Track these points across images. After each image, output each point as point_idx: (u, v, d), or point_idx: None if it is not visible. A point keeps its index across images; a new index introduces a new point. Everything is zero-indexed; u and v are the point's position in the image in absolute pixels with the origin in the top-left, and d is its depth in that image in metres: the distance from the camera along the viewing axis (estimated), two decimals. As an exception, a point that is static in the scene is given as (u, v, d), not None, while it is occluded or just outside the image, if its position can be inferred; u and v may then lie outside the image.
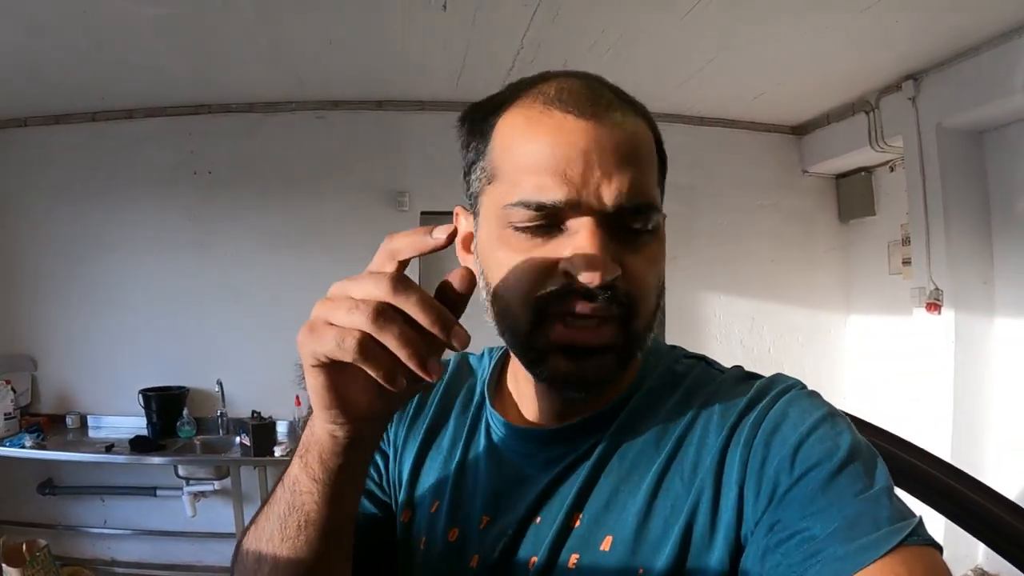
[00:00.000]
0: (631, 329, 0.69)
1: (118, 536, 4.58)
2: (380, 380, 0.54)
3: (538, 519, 0.75)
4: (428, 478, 0.86)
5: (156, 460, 4.02)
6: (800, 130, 4.80)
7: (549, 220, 0.67)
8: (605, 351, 0.68)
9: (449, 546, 0.79)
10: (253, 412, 4.24)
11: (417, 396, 0.92)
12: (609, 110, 0.67)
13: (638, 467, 0.73)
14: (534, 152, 0.67)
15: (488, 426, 0.85)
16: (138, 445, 4.04)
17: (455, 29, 3.49)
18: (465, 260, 0.80)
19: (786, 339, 4.77)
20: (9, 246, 4.72)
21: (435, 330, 0.54)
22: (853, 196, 4.73)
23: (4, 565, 3.51)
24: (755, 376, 0.79)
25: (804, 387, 0.75)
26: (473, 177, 0.77)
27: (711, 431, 0.72)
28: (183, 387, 4.50)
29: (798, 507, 0.60)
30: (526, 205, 0.66)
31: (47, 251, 4.68)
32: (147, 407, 4.34)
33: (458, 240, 0.82)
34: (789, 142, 4.80)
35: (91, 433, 4.45)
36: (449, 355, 0.88)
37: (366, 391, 0.60)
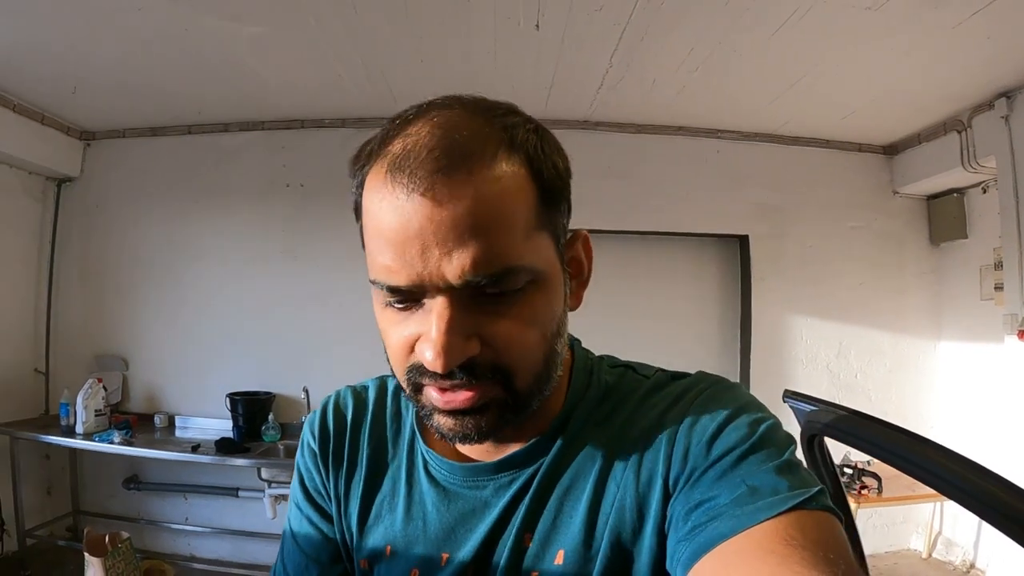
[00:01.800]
0: (512, 387, 0.70)
1: (199, 533, 4.78)
2: None
3: (495, 547, 0.77)
4: (378, 523, 0.86)
5: (240, 462, 4.17)
6: (891, 150, 4.79)
7: (406, 297, 0.68)
8: (484, 409, 0.70)
9: None
10: None
11: (345, 440, 0.91)
12: (450, 174, 0.63)
13: (578, 480, 0.77)
14: (378, 233, 0.66)
15: (426, 462, 0.86)
16: (223, 447, 4.21)
17: (545, 47, 3.58)
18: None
19: (874, 365, 4.73)
20: (106, 252, 5.02)
21: None
22: (945, 218, 4.68)
23: (87, 554, 3.65)
24: (680, 376, 0.83)
25: (726, 382, 0.80)
26: (360, 228, 0.75)
27: (639, 435, 0.76)
28: (270, 392, 4.68)
29: (709, 483, 0.66)
30: (379, 286, 0.68)
31: (142, 257, 4.95)
32: (233, 410, 4.52)
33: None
34: (880, 162, 4.78)
35: (178, 433, 4.65)
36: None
37: None
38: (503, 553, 0.76)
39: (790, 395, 1.85)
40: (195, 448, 4.16)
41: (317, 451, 0.92)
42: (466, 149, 0.65)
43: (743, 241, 4.73)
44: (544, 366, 0.72)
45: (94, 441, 4.21)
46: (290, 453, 4.38)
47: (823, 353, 4.72)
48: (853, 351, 4.71)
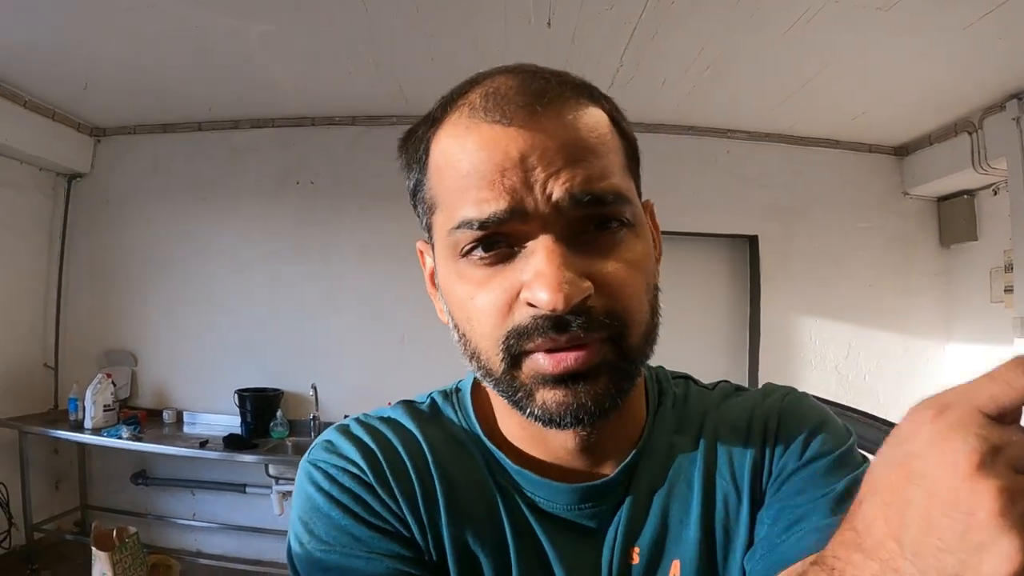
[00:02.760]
0: (624, 346, 0.64)
1: (206, 529, 4.78)
2: None
3: (601, 571, 0.71)
4: (484, 565, 0.72)
5: (247, 458, 4.18)
6: (902, 151, 4.78)
7: (501, 240, 0.62)
8: (597, 374, 0.62)
9: None
10: (345, 417, 4.38)
11: (406, 463, 0.75)
12: (544, 105, 0.61)
13: (678, 483, 0.74)
14: (467, 171, 0.62)
15: (518, 487, 0.75)
16: (231, 443, 4.22)
17: (555, 45, 3.58)
18: (433, 297, 0.77)
19: (882, 367, 4.72)
20: (116, 248, 5.04)
21: None
22: (955, 220, 4.67)
23: (94, 549, 3.68)
24: (745, 388, 0.83)
25: (798, 392, 0.81)
26: (419, 209, 0.74)
27: (735, 432, 0.76)
28: (278, 389, 4.69)
29: (796, 487, 0.67)
30: (468, 225, 0.62)
31: (152, 254, 4.97)
32: (242, 407, 4.54)
33: (425, 275, 0.79)
34: (890, 163, 4.77)
35: (186, 429, 4.67)
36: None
37: None
38: (611, 574, 0.71)
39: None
40: (203, 444, 4.18)
41: (369, 475, 0.73)
42: (553, 88, 0.64)
43: (752, 241, 4.74)
44: (652, 321, 0.67)
45: (103, 436, 4.23)
46: (299, 449, 4.41)
47: (832, 354, 4.71)
48: (862, 353, 4.71)
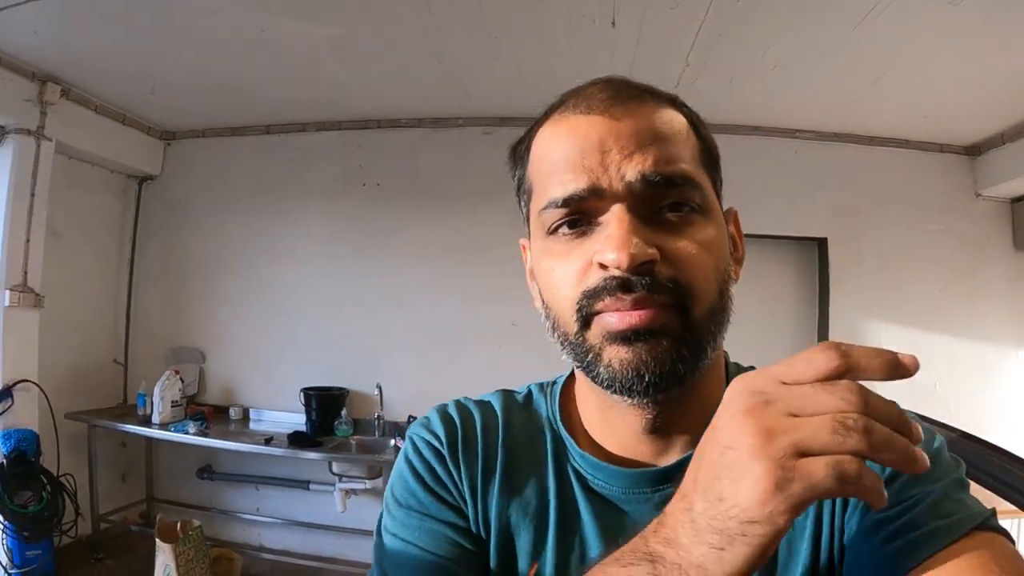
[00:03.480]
0: (689, 316, 0.66)
1: (269, 524, 4.83)
2: (873, 502, 0.45)
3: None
4: (518, 536, 0.78)
5: (312, 455, 4.23)
6: (974, 150, 4.63)
7: (580, 217, 0.69)
8: (660, 336, 0.65)
9: None
10: (409, 417, 4.50)
11: (478, 439, 0.83)
12: (625, 101, 0.70)
13: None
14: (556, 156, 0.70)
15: (577, 471, 0.79)
16: (296, 440, 4.26)
17: (621, 46, 3.56)
18: (531, 288, 0.82)
19: (953, 374, 4.58)
20: (185, 248, 5.15)
21: (907, 437, 0.46)
22: (1030, 222, 4.53)
23: (158, 540, 3.72)
24: None
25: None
26: (521, 203, 0.82)
27: None
28: (343, 388, 4.73)
29: (892, 494, 0.63)
30: (554, 204, 0.69)
31: (220, 254, 5.06)
32: (307, 405, 4.58)
33: (526, 270, 0.86)
34: (962, 163, 4.64)
35: (252, 425, 4.73)
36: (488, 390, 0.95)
37: None
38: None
39: None
40: (268, 441, 4.22)
41: (445, 447, 0.83)
42: (635, 90, 0.73)
43: (822, 244, 4.63)
44: (719, 300, 0.70)
45: (169, 431, 4.32)
46: (361, 448, 4.44)
47: (901, 360, 4.58)
48: (932, 359, 4.56)
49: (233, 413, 4.80)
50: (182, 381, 4.61)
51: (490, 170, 4.76)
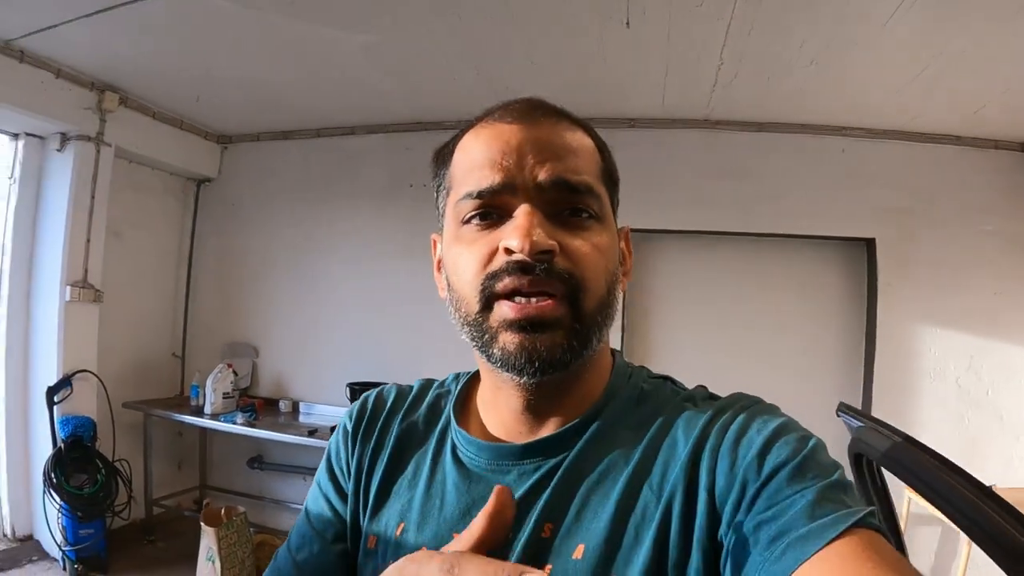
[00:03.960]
0: (579, 308, 0.74)
1: (316, 514, 4.93)
2: None
3: (509, 534, 0.72)
4: (394, 502, 0.87)
5: (357, 448, 4.29)
6: (1031, 147, 4.40)
7: (493, 209, 0.75)
8: (553, 326, 0.72)
9: None
10: None
11: (378, 424, 0.94)
12: (543, 117, 0.78)
13: (607, 477, 0.76)
14: (475, 155, 0.77)
15: (455, 445, 0.87)
16: (340, 433, 4.33)
17: (651, 45, 3.51)
18: (437, 280, 0.89)
19: (1009, 382, 4.34)
20: (240, 247, 5.37)
21: None
22: (1092, 223, 4.25)
23: (203, 524, 3.89)
24: (718, 396, 0.84)
25: (765, 402, 0.81)
26: (439, 200, 0.87)
27: (679, 441, 0.76)
28: (387, 383, 4.75)
29: (765, 501, 0.65)
30: (470, 195, 0.75)
31: (273, 253, 5.25)
32: (352, 399, 4.62)
33: (433, 262, 0.94)
34: (1018, 160, 4.38)
35: (301, 418, 4.86)
36: (414, 379, 1.03)
37: None
38: (519, 541, 0.74)
39: (843, 409, 1.79)
40: (311, 432, 4.35)
41: (350, 430, 0.95)
42: (552, 109, 0.81)
43: (870, 245, 4.46)
44: (607, 296, 0.77)
45: (219, 421, 4.51)
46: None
47: (952, 367, 4.35)
48: (985, 366, 4.34)
49: (283, 406, 4.96)
50: (235, 374, 4.80)
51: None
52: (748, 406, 0.78)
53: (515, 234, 0.70)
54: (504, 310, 0.73)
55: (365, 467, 0.91)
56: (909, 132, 4.39)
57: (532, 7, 3.22)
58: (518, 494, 0.77)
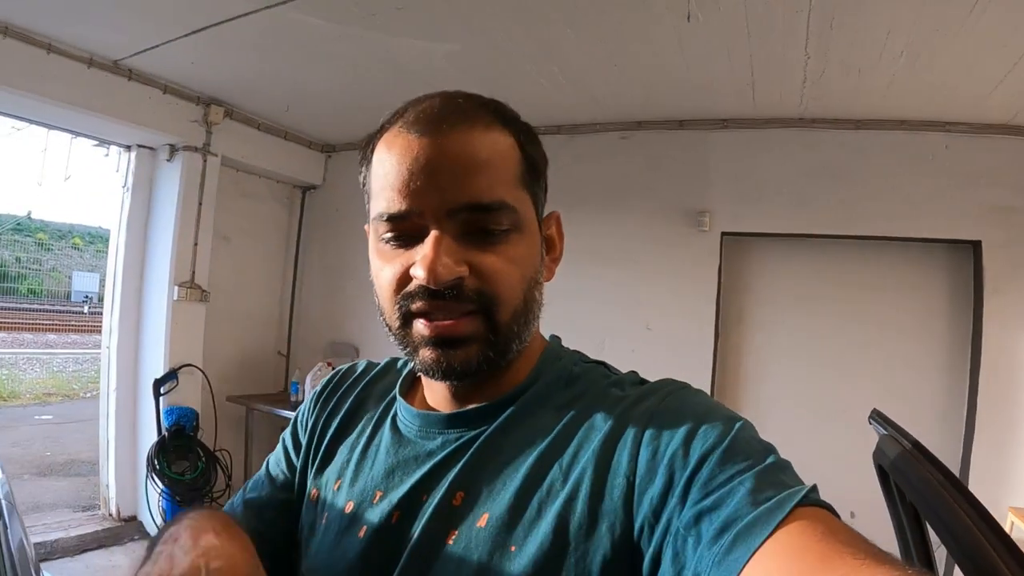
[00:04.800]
0: (493, 321, 0.74)
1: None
2: None
3: (424, 496, 0.78)
4: (336, 460, 0.92)
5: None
6: None
7: (407, 231, 0.74)
8: (467, 342, 0.74)
9: (343, 518, 0.84)
10: None
11: (340, 391, 1.01)
12: (452, 126, 0.74)
13: (522, 452, 0.77)
14: (387, 172, 0.74)
15: (395, 414, 0.91)
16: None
17: (731, 42, 3.38)
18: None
19: None
20: (343, 251, 5.58)
21: None
22: None
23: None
24: (647, 382, 0.83)
25: (692, 387, 0.80)
26: (365, 197, 0.85)
27: (596, 424, 0.76)
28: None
29: (700, 490, 0.63)
30: (381, 217, 0.74)
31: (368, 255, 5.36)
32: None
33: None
34: None
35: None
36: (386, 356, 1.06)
37: None
38: (431, 504, 0.76)
39: (874, 417, 1.63)
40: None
41: (317, 393, 1.03)
42: (466, 110, 0.77)
43: (976, 247, 4.06)
44: (523, 305, 0.78)
45: (312, 417, 4.67)
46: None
47: (1064, 379, 3.91)
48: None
49: (377, 404, 5.08)
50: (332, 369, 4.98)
51: (627, 173, 4.75)
52: (673, 391, 0.77)
53: (421, 264, 0.71)
54: (420, 327, 0.74)
55: (319, 427, 0.97)
56: (1016, 126, 3.98)
57: (603, 11, 3.18)
58: (437, 458, 0.80)
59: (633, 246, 4.63)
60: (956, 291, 4.20)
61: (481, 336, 0.74)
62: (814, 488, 0.60)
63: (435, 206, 0.72)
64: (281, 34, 3.63)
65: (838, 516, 0.59)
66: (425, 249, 0.71)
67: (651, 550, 0.64)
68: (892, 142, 4.18)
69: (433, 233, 0.72)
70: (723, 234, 4.48)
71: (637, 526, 0.66)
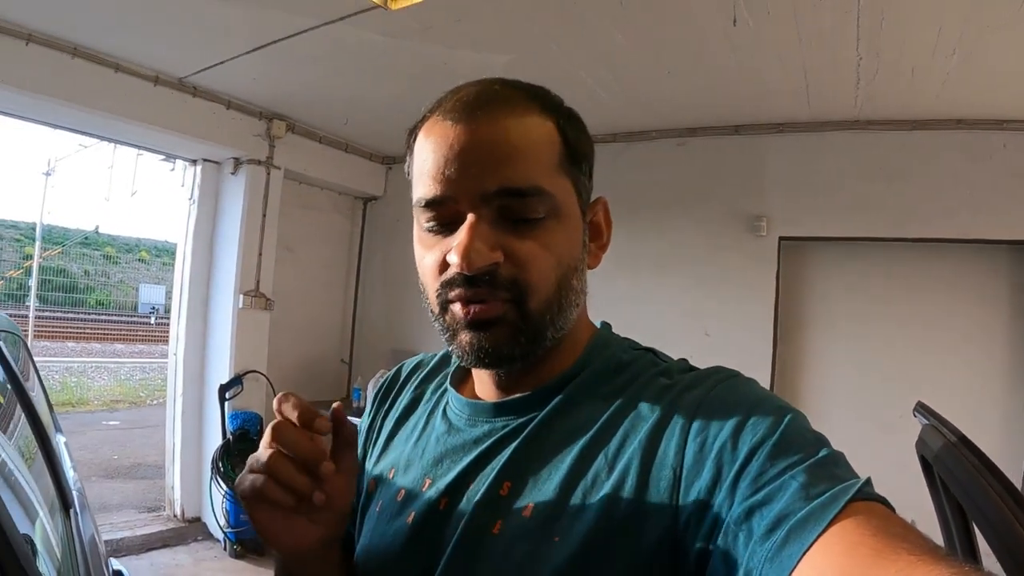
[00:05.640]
0: (524, 308, 0.74)
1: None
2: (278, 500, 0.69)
3: (471, 484, 0.78)
4: (392, 451, 0.93)
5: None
6: None
7: (444, 217, 0.74)
8: (498, 323, 0.74)
9: (395, 505, 0.84)
10: None
11: (396, 386, 1.03)
12: (487, 112, 0.73)
13: (568, 441, 0.75)
14: (424, 159, 0.75)
15: (447, 404, 0.91)
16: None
17: (782, 46, 3.34)
18: None
19: None
20: (405, 260, 5.18)
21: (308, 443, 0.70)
22: None
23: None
24: (696, 369, 0.81)
25: (743, 375, 0.77)
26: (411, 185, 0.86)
27: (644, 413, 0.74)
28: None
29: (751, 484, 0.61)
30: (419, 204, 0.75)
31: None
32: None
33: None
34: None
35: (451, 422, 4.98)
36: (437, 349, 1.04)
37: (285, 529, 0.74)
38: (477, 492, 0.76)
39: (919, 409, 1.61)
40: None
41: (379, 389, 1.04)
42: (503, 96, 0.77)
43: (1039, 248, 3.96)
44: (556, 293, 0.76)
45: (369, 421, 4.73)
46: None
47: None
48: None
49: (437, 410, 5.11)
50: (388, 376, 5.03)
51: (684, 180, 4.72)
52: (722, 380, 0.75)
53: (456, 250, 0.71)
54: (456, 310, 0.75)
55: (378, 423, 0.99)
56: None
57: (651, 16, 3.17)
58: (484, 446, 0.80)
59: (691, 252, 4.58)
60: (1018, 292, 4.08)
61: (512, 320, 0.74)
62: (868, 481, 0.58)
63: (470, 192, 0.72)
64: (340, 49, 3.68)
65: (893, 510, 0.57)
66: (460, 235, 0.71)
67: (698, 544, 0.63)
68: (949, 142, 4.07)
69: (469, 218, 0.72)
70: (780, 239, 4.40)
71: (683, 519, 0.65)
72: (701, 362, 0.79)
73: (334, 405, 0.74)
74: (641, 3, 3.06)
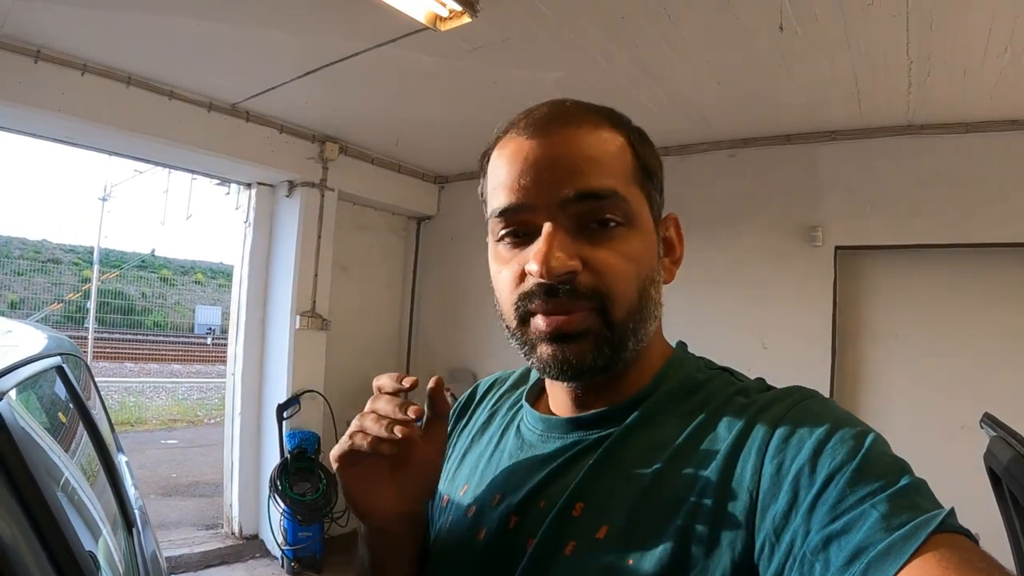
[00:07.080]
0: (608, 317, 0.72)
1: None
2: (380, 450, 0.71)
3: (542, 502, 0.76)
4: (464, 467, 0.92)
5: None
6: None
7: (520, 227, 0.74)
8: (583, 336, 0.72)
9: (466, 520, 0.83)
10: None
11: (473, 403, 1.03)
12: (561, 126, 0.74)
13: (643, 461, 0.73)
14: (499, 173, 0.75)
15: (522, 419, 0.90)
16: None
17: (832, 53, 3.27)
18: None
19: None
20: (459, 279, 5.66)
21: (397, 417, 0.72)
22: None
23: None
24: (773, 389, 0.78)
25: (821, 395, 0.74)
26: (484, 208, 0.85)
27: (721, 434, 0.71)
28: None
29: (829, 512, 0.58)
30: (495, 215, 0.75)
31: (490, 283, 5.38)
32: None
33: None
34: None
35: (507, 441, 4.94)
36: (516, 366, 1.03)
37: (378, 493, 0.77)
38: (550, 512, 0.74)
39: (986, 420, 1.54)
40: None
41: (457, 406, 1.03)
42: (575, 113, 0.77)
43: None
44: (639, 302, 0.75)
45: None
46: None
47: None
48: None
49: (494, 429, 5.06)
50: (453, 397, 4.95)
51: (737, 191, 4.64)
52: (800, 400, 0.71)
53: (535, 259, 0.70)
54: (538, 322, 0.73)
55: (453, 439, 0.98)
56: None
57: (697, 27, 3.11)
58: (557, 462, 0.79)
59: (746, 264, 4.49)
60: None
61: (597, 331, 0.72)
62: (951, 512, 0.54)
63: (547, 199, 0.71)
64: (390, 71, 3.68)
65: (977, 542, 0.54)
66: (538, 244, 0.70)
67: (771, 570, 0.60)
68: (1005, 144, 3.91)
69: (547, 226, 0.71)
70: (837, 248, 4.28)
71: (758, 544, 0.62)
72: (760, 373, 0.73)
73: (434, 378, 0.78)
74: (689, 16, 3.00)
